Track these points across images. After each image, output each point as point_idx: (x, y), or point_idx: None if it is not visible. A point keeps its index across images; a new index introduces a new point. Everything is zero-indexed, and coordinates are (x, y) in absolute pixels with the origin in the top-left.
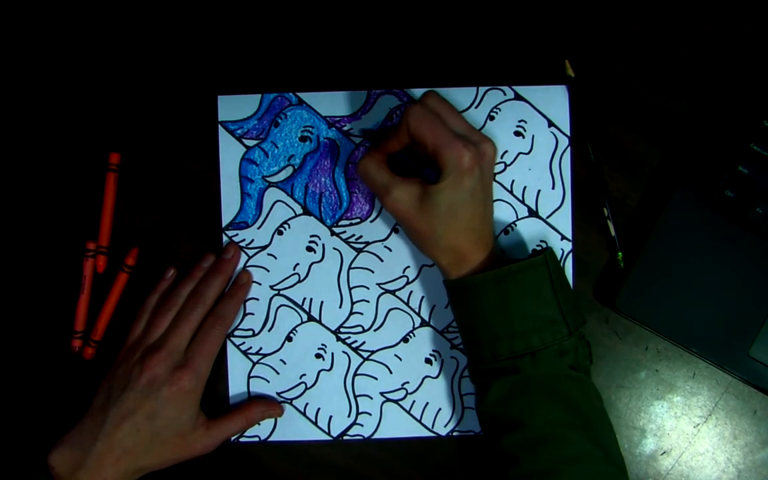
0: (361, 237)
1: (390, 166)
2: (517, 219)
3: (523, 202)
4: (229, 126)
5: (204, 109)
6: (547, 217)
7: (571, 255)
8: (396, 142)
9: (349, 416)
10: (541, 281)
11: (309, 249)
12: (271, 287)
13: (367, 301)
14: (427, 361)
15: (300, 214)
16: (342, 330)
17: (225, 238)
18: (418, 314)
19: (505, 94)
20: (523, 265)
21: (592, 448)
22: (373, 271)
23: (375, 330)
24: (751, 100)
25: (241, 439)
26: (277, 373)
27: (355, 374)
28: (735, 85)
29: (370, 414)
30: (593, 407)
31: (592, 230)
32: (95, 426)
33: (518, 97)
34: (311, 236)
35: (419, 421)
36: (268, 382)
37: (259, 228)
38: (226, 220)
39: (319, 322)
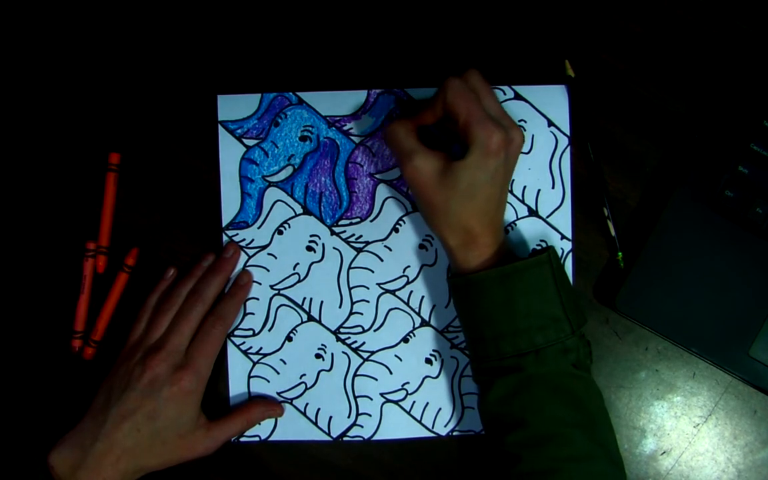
0: (361, 237)
1: (419, 138)
2: (517, 218)
3: (523, 201)
4: (229, 126)
5: (204, 109)
6: (547, 217)
7: (571, 255)
8: (430, 114)
9: (349, 417)
10: (545, 279)
11: (309, 249)
12: (271, 287)
13: (367, 301)
14: (427, 361)
15: (300, 214)
16: (342, 330)
17: (225, 238)
18: (418, 314)
19: (504, 94)
20: (527, 262)
21: (594, 448)
22: (373, 271)
23: (375, 330)
24: (751, 100)
25: (242, 439)
26: (277, 373)
27: (354, 375)
28: (735, 85)
29: (370, 415)
30: (596, 406)
31: (592, 230)
32: (95, 426)
33: (518, 96)
34: (311, 236)
35: (419, 422)
36: (268, 381)
37: (259, 228)
38: (226, 219)
39: (319, 322)
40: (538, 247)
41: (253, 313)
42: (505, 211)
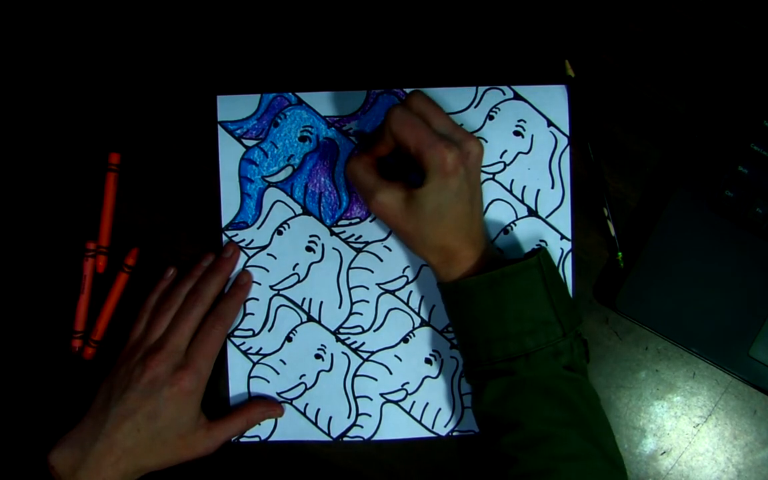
0: (360, 237)
1: (379, 169)
2: (517, 219)
3: (522, 201)
4: (229, 126)
5: (203, 109)
6: (547, 217)
7: (570, 255)
8: (383, 146)
9: (348, 417)
10: (534, 283)
11: (308, 249)
12: (271, 287)
13: (367, 302)
14: (427, 361)
15: (299, 214)
16: (341, 330)
17: (225, 238)
18: (418, 314)
19: (504, 94)
20: (516, 267)
21: (589, 446)
22: (372, 271)
23: (375, 330)
24: (751, 100)
25: (242, 439)
26: (277, 374)
27: (354, 375)
28: (735, 85)
29: (369, 415)
30: (590, 407)
31: (592, 230)
32: (96, 425)
33: (517, 96)
34: (311, 236)
35: (419, 422)
36: (268, 382)
37: (258, 228)
38: (225, 220)
39: (319, 322)
40: (537, 247)
41: (252, 314)
42: (482, 220)
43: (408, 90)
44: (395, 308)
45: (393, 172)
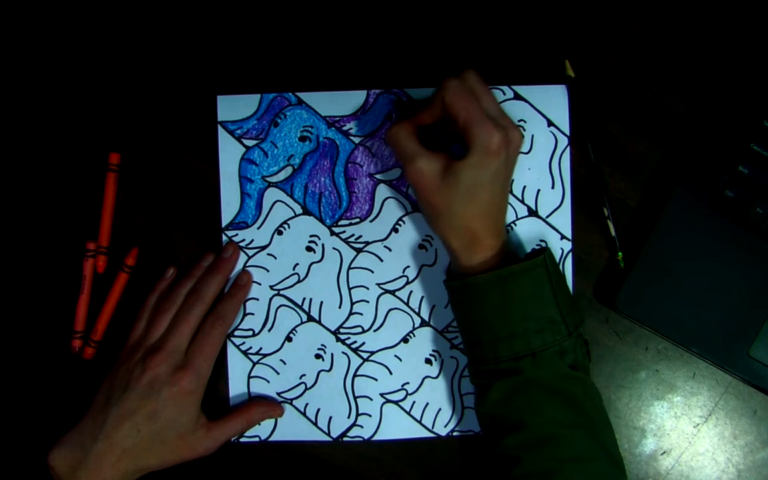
0: (360, 237)
1: (419, 138)
2: (517, 218)
3: (522, 201)
4: (229, 126)
5: (203, 109)
6: (547, 217)
7: (570, 255)
8: (428, 115)
9: (348, 417)
10: (541, 282)
11: (309, 249)
12: (271, 287)
13: (367, 302)
14: (427, 361)
15: (300, 214)
16: (341, 330)
17: (225, 238)
18: (418, 314)
19: (504, 94)
20: (524, 265)
21: (594, 448)
22: (372, 271)
23: (375, 330)
24: (751, 100)
25: (242, 439)
26: (277, 374)
27: (354, 375)
28: (735, 85)
29: (370, 415)
30: (594, 407)
31: (592, 230)
32: (95, 426)
33: (518, 96)
34: (311, 236)
35: (419, 422)
36: (268, 382)
37: (258, 228)
38: (225, 220)
39: (319, 322)
40: (537, 247)
41: (252, 314)
42: (506, 213)
43: (408, 90)
44: (395, 308)
45: (434, 142)
